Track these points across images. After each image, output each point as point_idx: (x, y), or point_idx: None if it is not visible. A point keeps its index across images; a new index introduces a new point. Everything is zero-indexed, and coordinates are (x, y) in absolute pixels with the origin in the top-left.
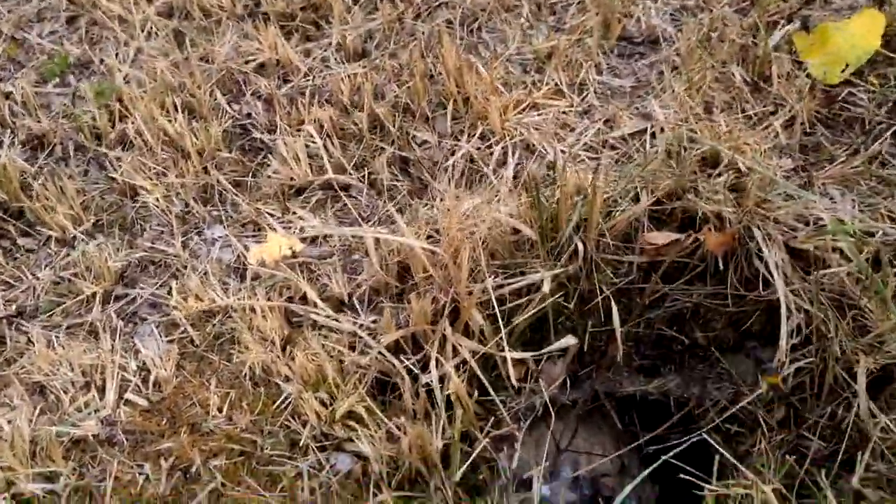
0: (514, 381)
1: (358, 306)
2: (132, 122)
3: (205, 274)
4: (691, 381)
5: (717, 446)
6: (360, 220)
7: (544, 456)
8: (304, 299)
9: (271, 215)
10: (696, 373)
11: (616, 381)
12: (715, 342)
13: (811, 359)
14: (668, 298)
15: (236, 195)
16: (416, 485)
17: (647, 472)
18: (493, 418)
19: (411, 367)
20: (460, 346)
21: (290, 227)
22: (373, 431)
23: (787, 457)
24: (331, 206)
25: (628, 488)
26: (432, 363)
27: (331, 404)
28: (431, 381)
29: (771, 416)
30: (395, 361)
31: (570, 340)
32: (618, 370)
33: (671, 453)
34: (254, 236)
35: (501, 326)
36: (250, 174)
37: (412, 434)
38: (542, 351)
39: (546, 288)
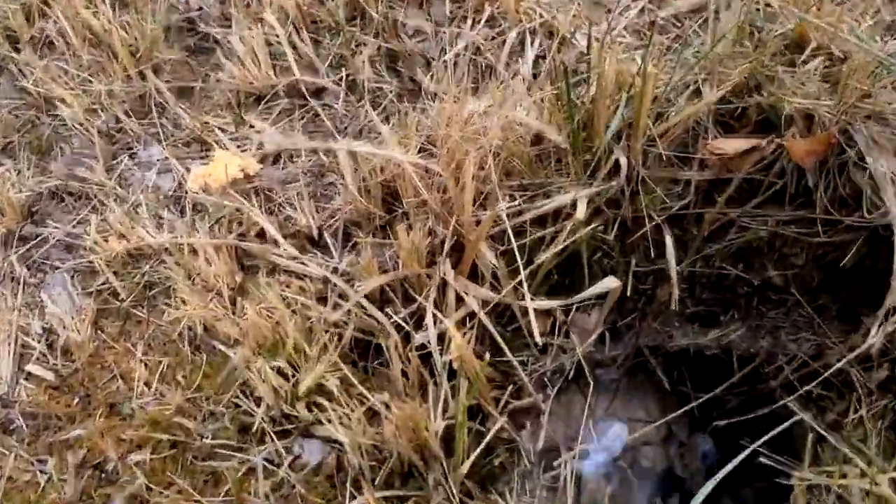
0: (537, 338)
1: (331, 244)
2: (53, 21)
3: (135, 207)
4: (760, 332)
5: (809, 420)
6: (335, 133)
7: (579, 429)
8: (260, 236)
9: (222, 130)
10: (767, 321)
11: (665, 333)
12: (795, 283)
13: None
14: (735, 227)
15: (180, 106)
16: (408, 480)
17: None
18: (510, 386)
19: (401, 323)
20: (465, 294)
21: (244, 145)
22: (349, 410)
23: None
24: (298, 116)
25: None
26: (428, 317)
27: (293, 376)
28: (428, 342)
29: (869, 377)
30: (380, 316)
31: (610, 283)
32: (667, 319)
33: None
34: (201, 158)
35: (521, 267)
36: (199, 80)
37: (402, 413)
38: (575, 298)
39: (580, 214)
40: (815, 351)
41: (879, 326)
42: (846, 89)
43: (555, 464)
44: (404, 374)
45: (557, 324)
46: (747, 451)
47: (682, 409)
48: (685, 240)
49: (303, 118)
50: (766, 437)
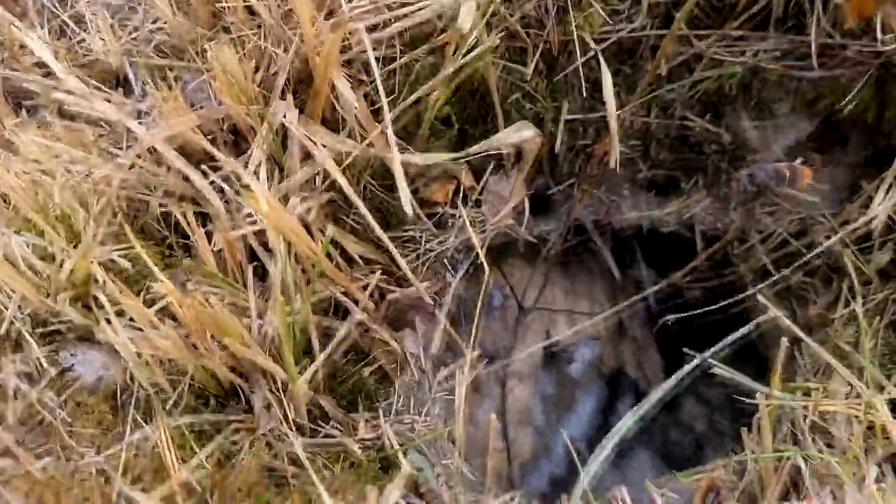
0: (406, 206)
1: (132, 78)
2: None
3: None
4: (730, 203)
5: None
6: None
7: (499, 328)
8: (41, 66)
9: None
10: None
11: (611, 205)
12: (776, 139)
13: None
14: (704, 62)
15: None
16: (226, 404)
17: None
18: (396, 275)
19: (219, 182)
20: (313, 142)
21: None
22: (132, 301)
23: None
24: None
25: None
26: (257, 171)
27: (55, 258)
28: (255, 214)
29: (868, 262)
30: (189, 171)
31: (524, 132)
32: (614, 186)
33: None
34: None
35: (384, 104)
36: None
37: (205, 313)
38: (471, 151)
39: (463, 23)
40: (797, 227)
41: (887, 193)
42: None
43: (444, 371)
44: (218, 254)
45: (462, 190)
46: (696, 362)
47: (634, 299)
48: (634, 79)
49: None
50: (719, 346)
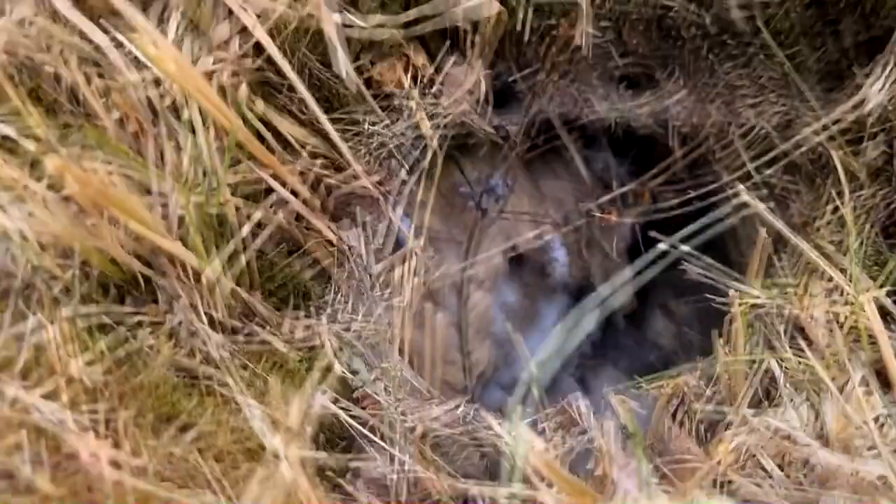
0: (345, 76)
1: None
2: None
3: None
4: (710, 96)
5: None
6: None
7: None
8: None
9: None
10: (720, 80)
11: (580, 98)
12: (765, 26)
13: None
14: None
15: None
16: (130, 294)
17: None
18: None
19: (123, 41)
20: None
21: None
22: (29, 180)
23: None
24: None
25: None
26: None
27: None
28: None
29: (857, 157)
30: (87, 26)
31: (485, 4)
32: (583, 78)
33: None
34: None
35: None
36: None
37: (105, 187)
38: (417, 18)
39: None
40: (782, 119)
41: (883, 74)
42: None
43: (382, 264)
44: (122, 121)
45: (419, 74)
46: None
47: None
48: None
49: None
50: (689, 230)
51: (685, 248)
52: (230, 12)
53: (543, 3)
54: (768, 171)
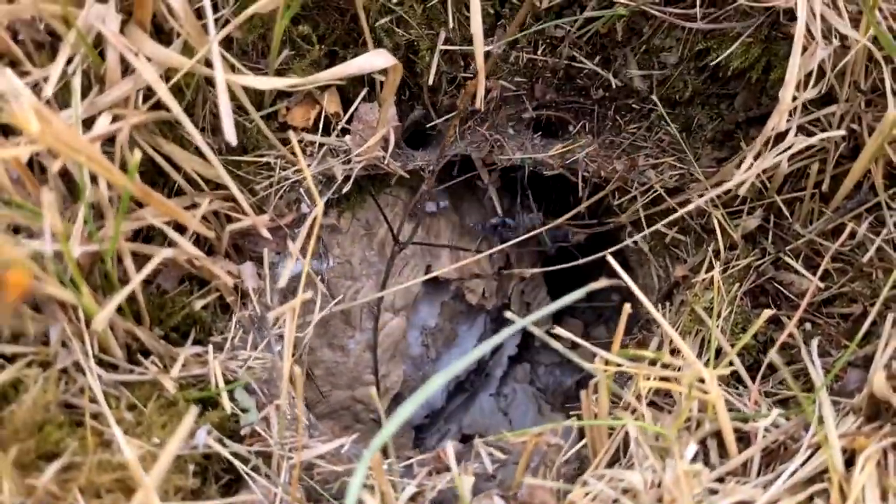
0: (227, 135)
1: None
2: None
3: None
4: (615, 151)
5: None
6: None
7: (360, 260)
8: None
9: None
10: (625, 137)
11: (493, 143)
12: (662, 89)
13: (833, 132)
14: (590, 6)
15: None
16: (22, 334)
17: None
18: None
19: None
20: (135, 54)
21: None
22: None
23: (743, 301)
24: None
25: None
26: (53, 81)
27: None
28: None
29: (735, 224)
30: None
31: (377, 59)
32: (499, 124)
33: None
34: None
35: (210, 21)
36: None
37: None
38: (321, 76)
39: None
40: (678, 182)
41: (756, 159)
42: None
43: (280, 309)
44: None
45: (326, 115)
46: (513, 329)
47: (520, 238)
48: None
49: None
50: (543, 312)
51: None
52: (129, 68)
53: (457, 56)
54: (660, 227)
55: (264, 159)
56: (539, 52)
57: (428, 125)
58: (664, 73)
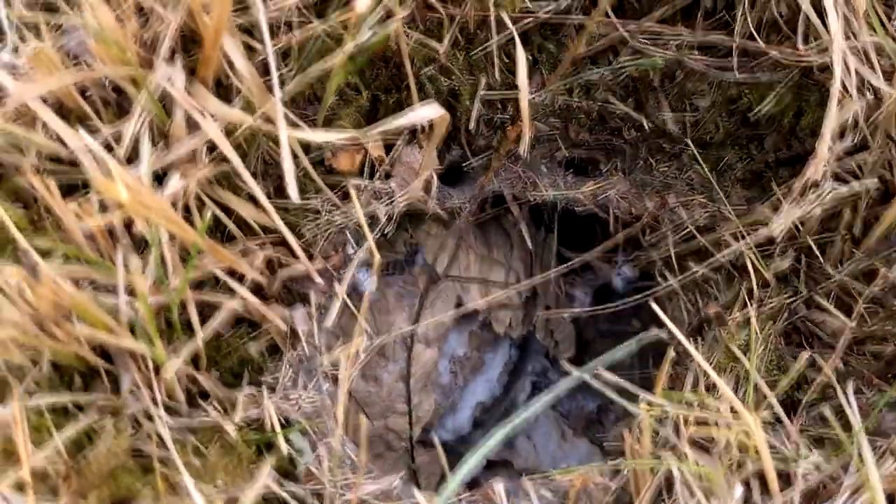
0: (292, 194)
1: (5, 22)
2: None
3: None
4: (646, 190)
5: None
6: None
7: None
8: None
9: None
10: (657, 177)
11: (528, 181)
12: (694, 132)
13: (865, 180)
14: (625, 48)
15: None
16: (92, 382)
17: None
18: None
19: (97, 149)
20: (200, 112)
21: None
22: None
23: (777, 339)
24: None
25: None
26: (126, 143)
27: None
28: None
29: (768, 264)
30: (65, 133)
31: (427, 112)
32: (532, 162)
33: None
34: None
35: (274, 77)
36: None
37: (67, 296)
38: (370, 130)
39: (361, 4)
40: (708, 221)
41: (791, 203)
42: None
43: (331, 354)
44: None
45: (370, 160)
46: (571, 381)
47: (550, 273)
48: (556, 58)
49: None
50: (598, 361)
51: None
52: (193, 125)
53: (495, 100)
54: (694, 264)
55: (312, 203)
56: (573, 95)
57: (464, 164)
58: (696, 116)
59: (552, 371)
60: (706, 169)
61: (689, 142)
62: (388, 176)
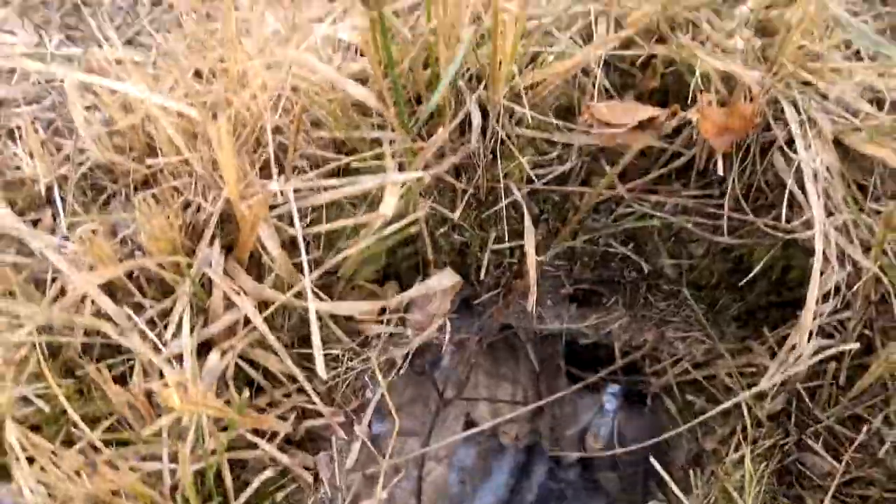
0: (320, 371)
1: (60, 206)
2: None
3: None
4: (646, 324)
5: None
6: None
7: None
8: None
9: None
10: (655, 313)
11: (533, 314)
12: (689, 276)
13: (848, 345)
14: (624, 205)
15: None
16: None
17: None
18: (319, 391)
19: (143, 326)
20: (236, 291)
21: None
22: (54, 457)
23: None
24: None
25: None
26: (172, 326)
27: None
28: (171, 361)
29: (760, 405)
30: (117, 316)
31: (445, 280)
32: (538, 297)
33: None
34: None
35: (305, 262)
36: None
37: (119, 479)
38: (391, 301)
39: (387, 208)
40: (704, 356)
41: (778, 367)
42: (784, 46)
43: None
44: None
45: (388, 309)
46: None
47: (559, 395)
48: (563, 210)
49: None
50: None
51: None
52: (229, 302)
53: (504, 248)
54: (693, 396)
55: (332, 352)
56: (577, 240)
57: (475, 301)
58: (692, 262)
59: (559, 469)
60: (701, 313)
61: (685, 286)
62: (402, 321)
